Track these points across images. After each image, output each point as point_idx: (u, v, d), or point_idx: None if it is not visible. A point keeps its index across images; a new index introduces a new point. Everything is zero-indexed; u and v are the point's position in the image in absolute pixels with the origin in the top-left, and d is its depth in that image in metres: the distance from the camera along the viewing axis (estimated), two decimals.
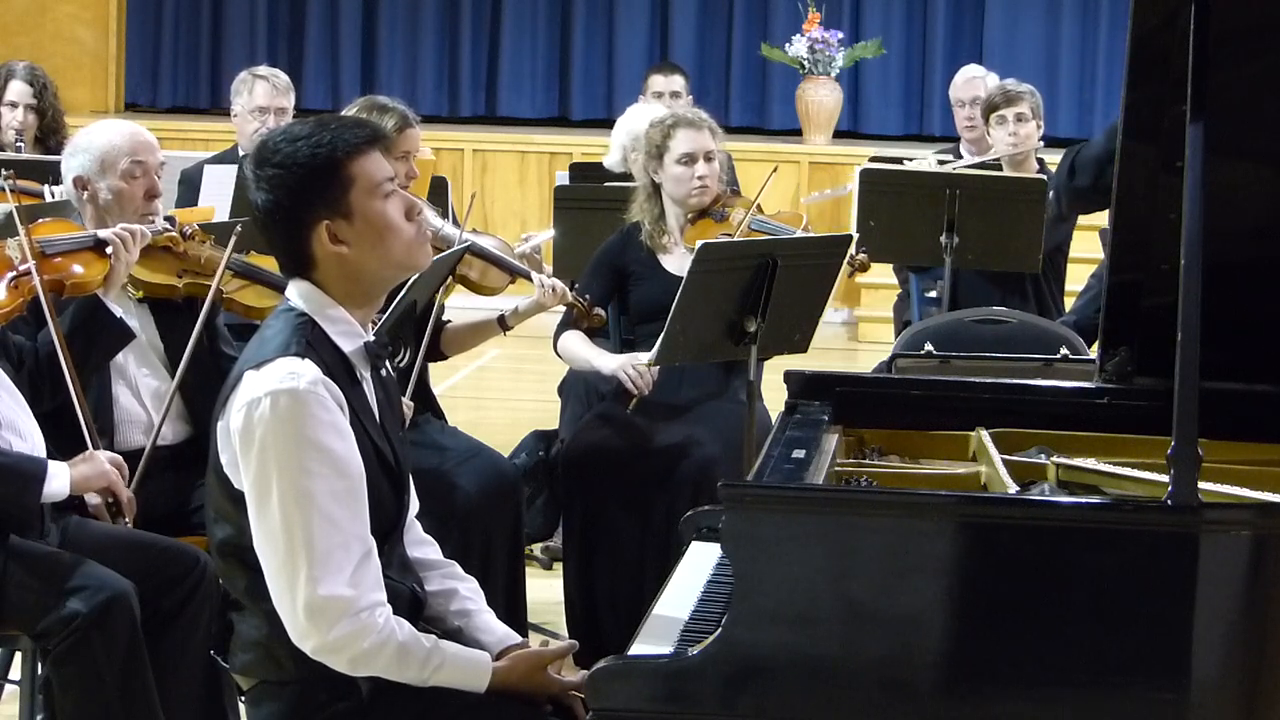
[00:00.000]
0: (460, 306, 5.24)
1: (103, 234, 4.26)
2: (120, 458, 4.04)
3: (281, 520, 2.91)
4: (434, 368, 5.37)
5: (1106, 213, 3.92)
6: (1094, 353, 3.93)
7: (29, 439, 3.93)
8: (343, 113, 4.99)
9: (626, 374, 5.17)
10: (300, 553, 2.90)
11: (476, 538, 4.85)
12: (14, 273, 4.14)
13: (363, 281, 3.06)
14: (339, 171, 3.00)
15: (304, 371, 2.94)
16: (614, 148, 6.66)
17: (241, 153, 6.72)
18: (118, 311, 4.26)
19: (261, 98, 6.79)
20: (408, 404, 4.47)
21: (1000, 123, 6.75)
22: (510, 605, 4.82)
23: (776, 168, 6.15)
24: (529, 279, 5.22)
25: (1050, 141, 13.05)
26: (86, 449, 4.03)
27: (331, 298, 3.05)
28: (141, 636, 3.84)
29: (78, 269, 4.20)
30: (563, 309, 5.29)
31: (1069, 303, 6.90)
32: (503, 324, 5.15)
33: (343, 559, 2.92)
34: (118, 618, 3.79)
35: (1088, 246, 8.57)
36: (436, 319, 4.95)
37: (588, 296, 5.27)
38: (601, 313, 5.30)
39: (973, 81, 8.16)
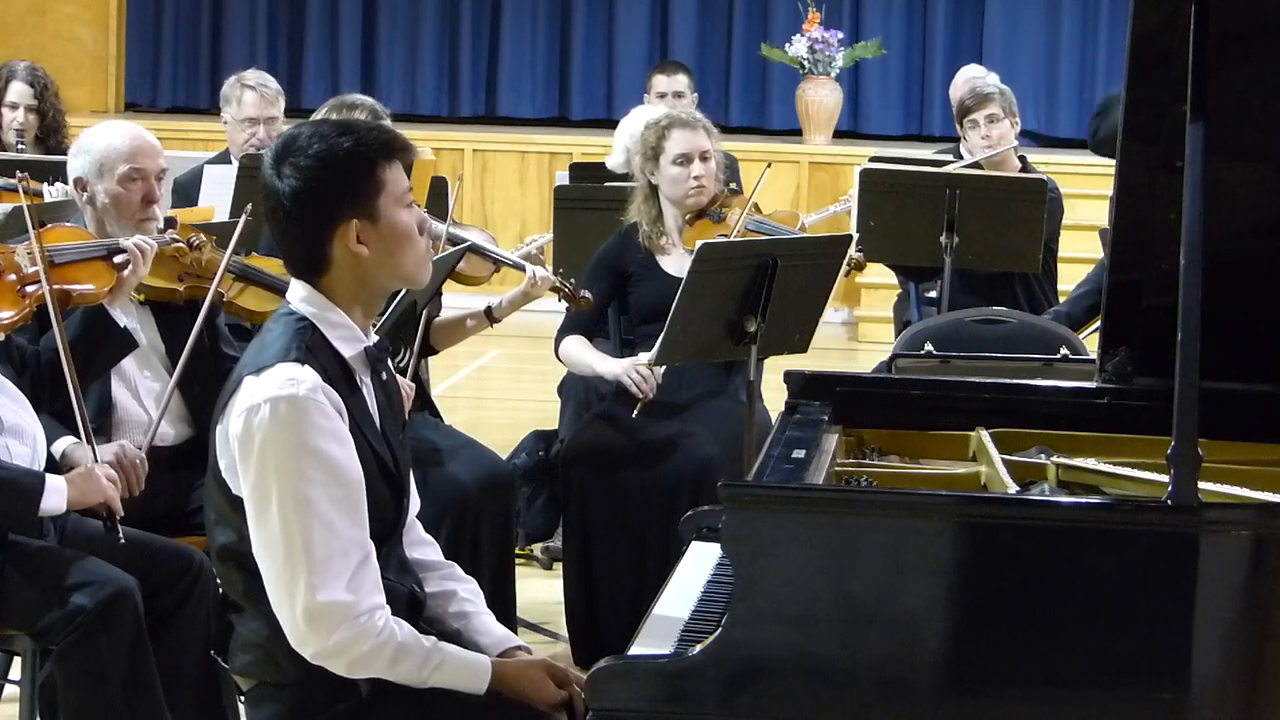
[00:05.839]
0: (447, 297, 5.24)
1: (120, 243, 4.25)
2: (111, 472, 3.96)
3: (281, 526, 2.91)
4: (434, 368, 5.38)
5: (1106, 213, 3.92)
6: (1093, 351, 3.93)
7: (30, 442, 3.93)
8: (313, 116, 5.03)
9: (631, 379, 5.17)
10: (299, 559, 2.91)
11: (467, 531, 4.86)
12: (22, 280, 4.12)
13: (370, 286, 3.07)
14: (374, 174, 3.02)
15: (304, 378, 2.94)
16: (617, 149, 6.65)
17: (234, 158, 6.71)
18: (122, 321, 4.26)
19: (250, 108, 6.73)
20: (407, 385, 4.45)
21: (973, 126, 6.75)
22: (499, 600, 4.82)
23: (770, 165, 6.16)
24: (515, 267, 5.22)
25: (1050, 142, 13.09)
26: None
27: (335, 302, 3.05)
28: (146, 632, 3.84)
29: (86, 281, 4.18)
30: (554, 300, 5.28)
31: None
32: (490, 316, 5.16)
33: (341, 565, 2.92)
34: (122, 613, 3.80)
35: (1088, 246, 8.57)
36: (427, 314, 4.96)
37: (573, 280, 5.26)
38: (588, 294, 5.28)
39: (973, 81, 8.15)
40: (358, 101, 5.14)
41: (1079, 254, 8.79)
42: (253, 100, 6.74)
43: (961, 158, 7.49)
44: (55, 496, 3.84)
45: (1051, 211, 6.62)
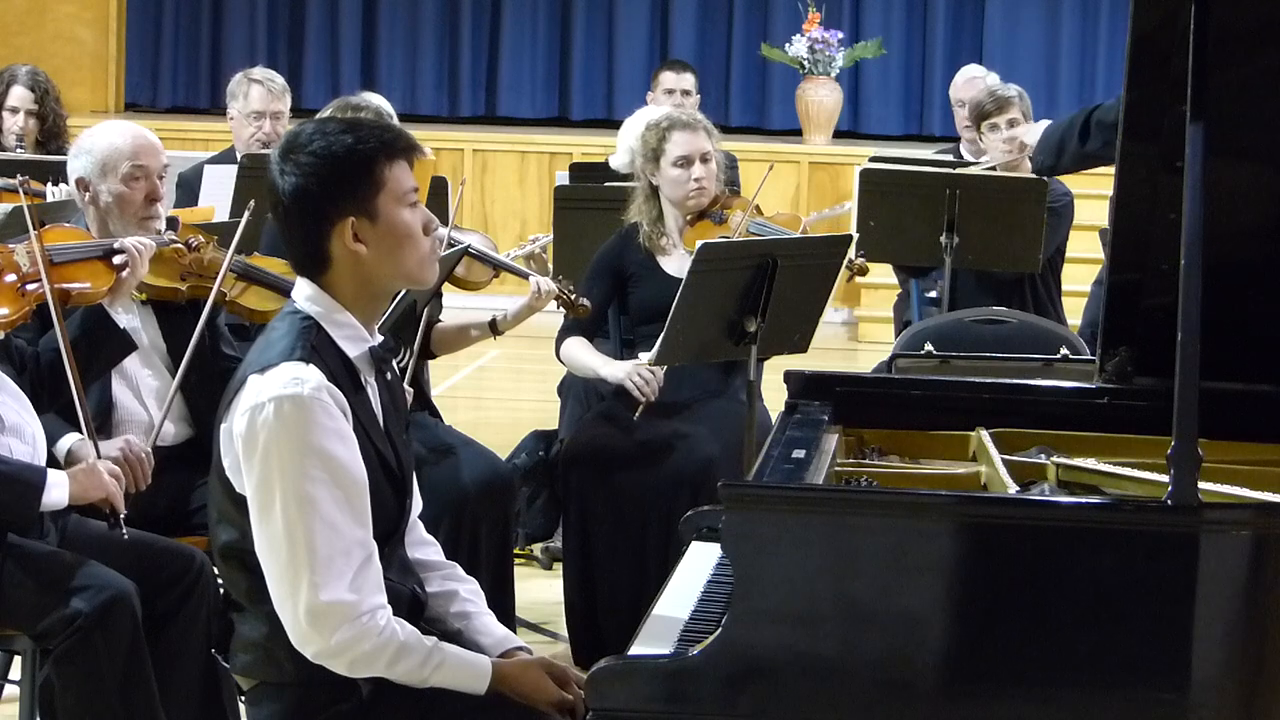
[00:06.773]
0: (448, 298, 5.23)
1: (117, 244, 4.25)
2: (115, 468, 3.97)
3: (284, 526, 2.91)
4: (434, 368, 5.38)
5: (1106, 213, 3.92)
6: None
7: (31, 441, 3.93)
8: (318, 116, 5.02)
9: (634, 382, 5.17)
10: (302, 559, 2.91)
11: (466, 531, 4.86)
12: (22, 279, 4.12)
13: (372, 286, 3.07)
14: (374, 172, 3.01)
15: (308, 377, 2.94)
16: (621, 149, 6.64)
17: (239, 155, 6.72)
18: (122, 322, 4.25)
19: (257, 102, 6.76)
20: (406, 389, 4.45)
21: (993, 130, 6.73)
22: (498, 601, 4.82)
23: (772, 166, 6.15)
24: (515, 273, 5.22)
25: None
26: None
27: (339, 301, 3.05)
28: (143, 636, 3.84)
29: (85, 280, 4.18)
30: (554, 308, 5.28)
31: (1067, 303, 6.89)
32: (494, 328, 5.16)
33: (344, 565, 2.92)
34: (120, 617, 3.79)
35: (1088, 246, 8.57)
36: (428, 319, 4.96)
37: (573, 286, 5.27)
38: (586, 303, 5.28)
39: (973, 81, 8.15)
40: (362, 103, 5.12)
41: (1079, 254, 8.78)
42: (259, 95, 6.76)
43: (961, 157, 7.50)
44: (57, 491, 3.84)
45: (1062, 217, 6.61)
